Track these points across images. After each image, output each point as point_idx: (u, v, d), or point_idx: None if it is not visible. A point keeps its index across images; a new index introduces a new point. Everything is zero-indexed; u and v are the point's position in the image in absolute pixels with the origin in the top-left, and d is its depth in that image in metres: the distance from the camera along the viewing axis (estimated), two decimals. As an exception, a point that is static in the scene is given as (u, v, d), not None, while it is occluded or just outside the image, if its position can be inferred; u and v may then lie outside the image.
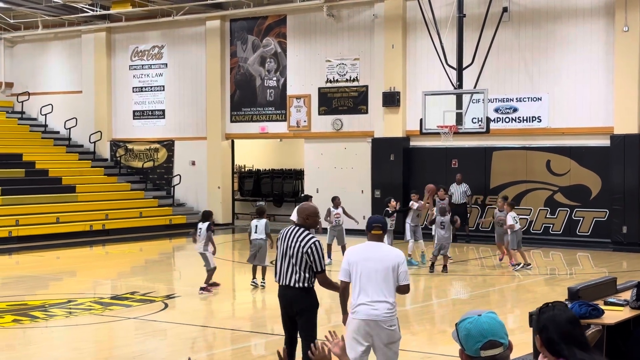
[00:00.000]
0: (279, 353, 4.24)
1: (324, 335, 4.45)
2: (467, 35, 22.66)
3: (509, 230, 18.18)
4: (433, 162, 24.76)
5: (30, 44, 32.66)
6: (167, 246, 24.48)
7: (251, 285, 15.84)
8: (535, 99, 23.39)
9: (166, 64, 30.00)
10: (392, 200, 18.78)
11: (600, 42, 22.53)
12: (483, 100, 21.59)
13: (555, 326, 3.93)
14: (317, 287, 8.37)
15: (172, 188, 29.62)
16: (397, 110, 25.14)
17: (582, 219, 22.83)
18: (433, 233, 17.85)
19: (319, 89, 26.84)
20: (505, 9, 23.28)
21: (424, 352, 10.68)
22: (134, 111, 30.72)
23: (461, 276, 18.00)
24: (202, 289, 15.08)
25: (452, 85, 22.24)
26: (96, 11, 29.32)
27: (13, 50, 33.18)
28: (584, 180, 22.84)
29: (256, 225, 15.58)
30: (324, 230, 19.05)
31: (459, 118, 21.54)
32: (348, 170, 26.24)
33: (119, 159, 30.89)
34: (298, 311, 8.26)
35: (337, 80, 26.50)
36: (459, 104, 21.66)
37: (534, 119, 23.42)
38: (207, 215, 15.70)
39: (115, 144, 31.18)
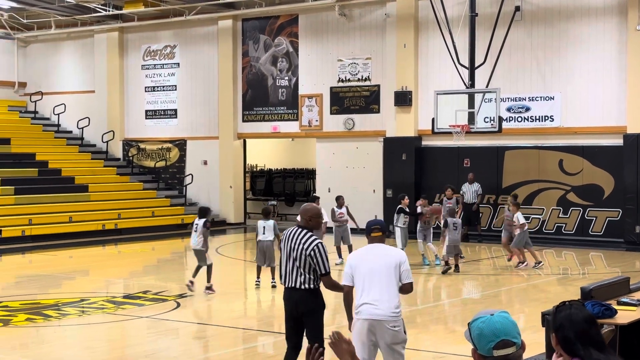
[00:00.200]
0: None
1: (328, 334, 4.40)
2: (479, 35, 22.63)
3: (517, 230, 18.11)
4: (445, 162, 24.72)
5: (43, 44, 32.77)
6: (179, 245, 24.52)
7: (255, 285, 15.84)
8: (547, 98, 23.31)
9: (178, 64, 30.06)
10: (406, 197, 18.82)
11: (613, 41, 22.43)
12: (495, 99, 21.54)
13: (571, 325, 3.92)
14: (322, 289, 8.30)
15: (184, 187, 29.67)
16: (409, 110, 25.10)
17: (594, 218, 22.74)
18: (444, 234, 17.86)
19: (331, 88, 26.83)
20: (517, 8, 23.20)
21: (436, 352, 10.68)
22: (147, 111, 30.80)
23: (473, 276, 17.98)
24: (207, 288, 15.07)
25: (464, 84, 22.19)
26: (109, 11, 29.40)
27: (26, 50, 33.31)
28: (597, 179, 22.74)
29: (264, 227, 15.46)
30: (330, 231, 19.06)
31: (471, 117, 21.48)
32: (360, 170, 26.21)
33: (131, 158, 30.97)
34: (305, 312, 8.16)
35: (348, 80, 26.48)
36: (471, 104, 21.60)
37: (546, 118, 23.35)
38: (204, 212, 15.49)
39: (127, 144, 31.26)
